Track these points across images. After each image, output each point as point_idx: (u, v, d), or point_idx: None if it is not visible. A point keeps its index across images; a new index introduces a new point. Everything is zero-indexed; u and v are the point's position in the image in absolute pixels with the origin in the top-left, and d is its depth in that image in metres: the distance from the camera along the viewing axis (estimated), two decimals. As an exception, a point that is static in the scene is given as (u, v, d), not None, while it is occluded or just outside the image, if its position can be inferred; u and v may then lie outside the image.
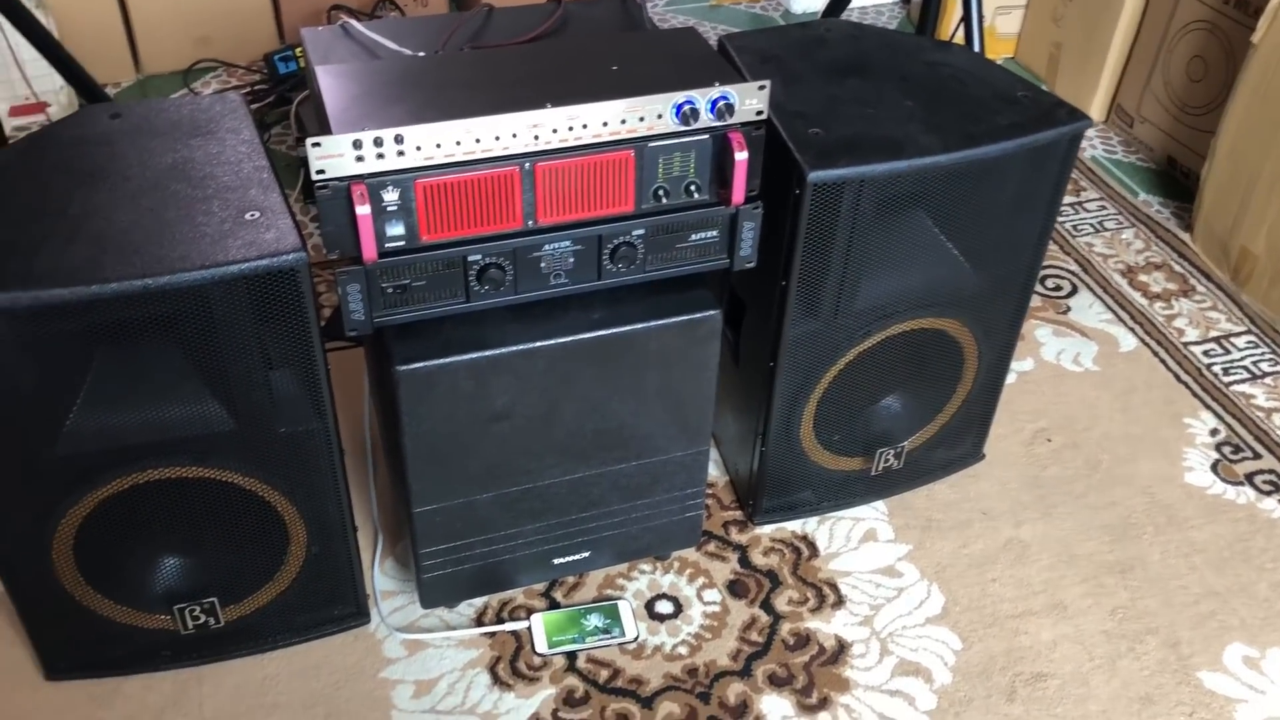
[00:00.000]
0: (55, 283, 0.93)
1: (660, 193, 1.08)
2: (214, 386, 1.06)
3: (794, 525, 1.43)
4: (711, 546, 1.40)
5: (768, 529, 1.43)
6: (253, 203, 1.03)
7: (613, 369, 1.14)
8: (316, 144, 0.95)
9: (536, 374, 1.12)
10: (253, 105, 2.10)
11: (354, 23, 1.20)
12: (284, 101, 2.10)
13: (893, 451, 1.40)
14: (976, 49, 1.77)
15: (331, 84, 1.02)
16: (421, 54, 1.15)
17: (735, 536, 1.42)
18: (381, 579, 1.34)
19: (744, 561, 1.38)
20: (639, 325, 1.12)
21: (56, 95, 2.06)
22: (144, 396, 1.06)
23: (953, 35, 1.97)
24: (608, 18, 1.27)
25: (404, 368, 1.07)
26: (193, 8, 2.24)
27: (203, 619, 1.21)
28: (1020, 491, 1.49)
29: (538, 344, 1.10)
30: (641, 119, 1.03)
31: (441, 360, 1.08)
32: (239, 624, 1.23)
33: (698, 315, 1.14)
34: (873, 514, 1.45)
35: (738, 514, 1.44)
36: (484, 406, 1.12)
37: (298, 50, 2.15)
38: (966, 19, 1.76)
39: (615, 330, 1.12)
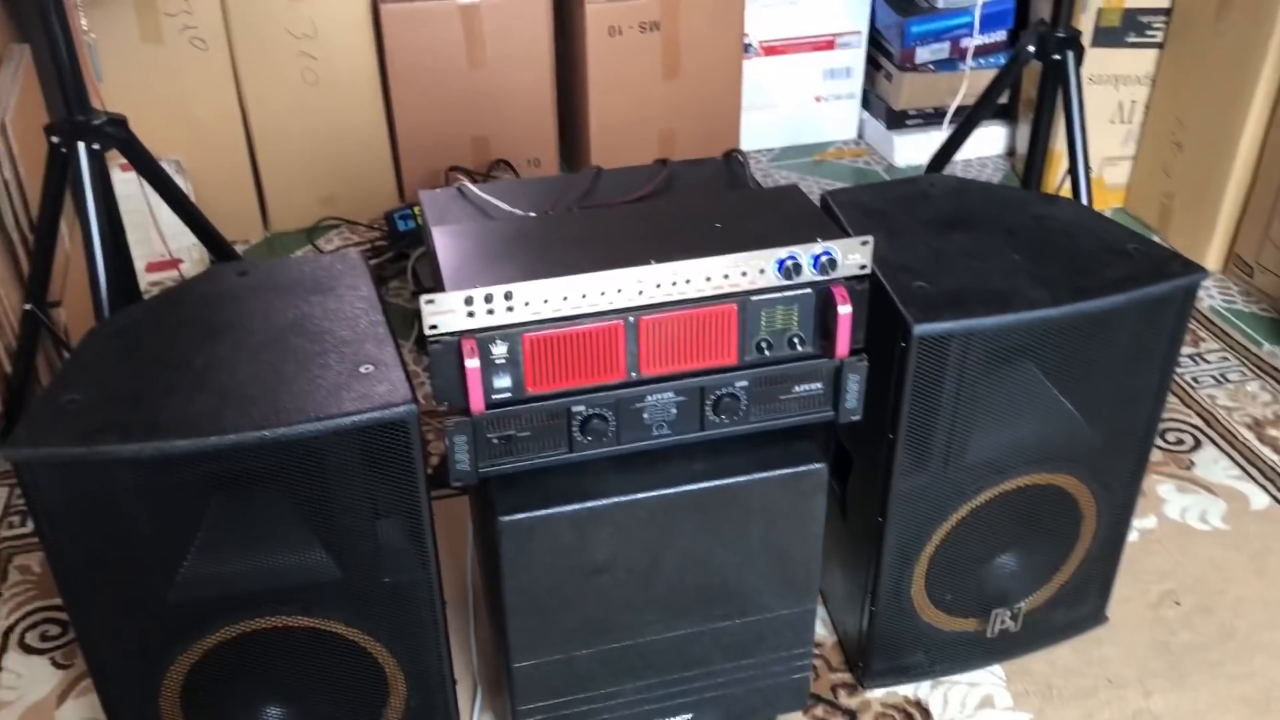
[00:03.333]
0: (177, 433, 0.97)
1: (763, 345, 1.08)
2: (322, 535, 1.07)
3: (906, 689, 1.37)
4: (819, 710, 1.34)
5: (879, 693, 1.37)
6: (368, 356, 1.07)
7: (716, 522, 1.13)
8: (430, 300, 0.98)
9: (638, 526, 1.11)
10: (372, 261, 2.19)
11: (469, 185, 1.25)
12: (402, 257, 2.19)
13: (1009, 612, 1.34)
14: (1084, 201, 1.76)
15: (446, 243, 1.06)
16: (532, 214, 1.19)
17: (844, 700, 1.36)
18: (480, 735, 1.32)
19: (853, 727, 1.33)
20: (742, 478, 1.11)
21: (189, 252, 2.18)
22: (255, 545, 1.08)
23: (1059, 187, 1.96)
24: (712, 176, 1.31)
25: (507, 518, 1.07)
26: (320, 170, 2.37)
27: (302, 772, 1.20)
28: (1148, 658, 1.41)
29: (640, 495, 1.09)
30: (744, 274, 1.04)
31: (544, 511, 1.08)
32: (336, 778, 1.22)
33: (802, 468, 1.12)
34: (989, 678, 1.38)
35: (847, 676, 1.39)
36: (585, 559, 1.11)
37: (416, 209, 2.24)
38: (1073, 171, 1.76)
39: (718, 482, 1.11)
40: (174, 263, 2.13)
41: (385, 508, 1.07)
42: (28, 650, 1.44)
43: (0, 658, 1.43)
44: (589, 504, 1.08)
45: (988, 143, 2.66)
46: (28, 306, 1.59)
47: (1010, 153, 2.68)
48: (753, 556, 1.16)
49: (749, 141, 2.63)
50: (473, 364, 1.00)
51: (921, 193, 1.34)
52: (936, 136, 2.59)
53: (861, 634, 1.34)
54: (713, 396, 1.10)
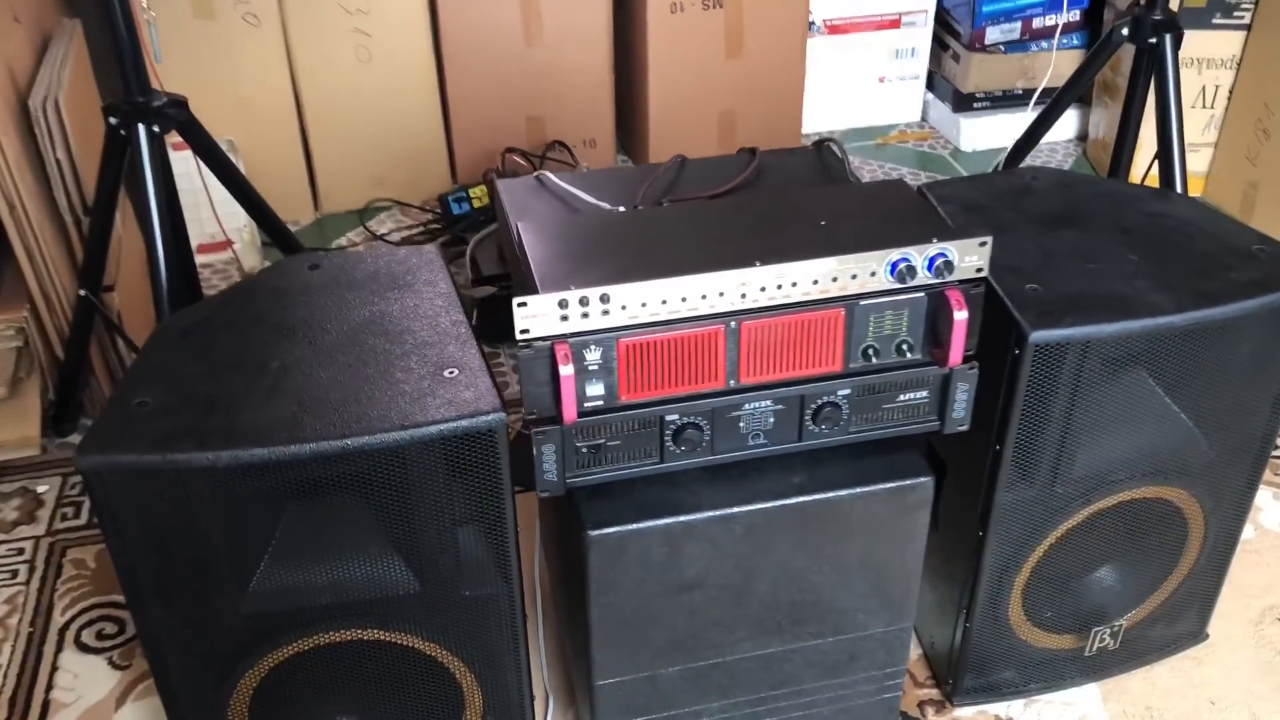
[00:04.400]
0: (256, 441, 0.91)
1: (870, 352, 1.02)
2: (401, 547, 1.02)
3: (997, 708, 1.31)
4: (906, 728, 1.29)
5: (968, 711, 1.30)
6: (451, 359, 1.01)
7: (813, 537, 1.06)
8: (523, 304, 0.92)
9: (733, 541, 1.05)
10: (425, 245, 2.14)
11: (550, 175, 1.19)
12: (458, 241, 2.13)
13: (1109, 630, 1.28)
14: (1179, 191, 1.68)
15: (535, 241, 1.00)
16: (621, 208, 1.12)
17: (932, 719, 1.30)
18: (552, 748, 1.27)
19: (943, 748, 1.27)
20: (844, 491, 1.05)
21: (240, 233, 2.13)
22: (330, 556, 1.02)
23: (1145, 175, 1.88)
24: (804, 168, 1.24)
25: (596, 533, 1.01)
26: (372, 150, 2.31)
27: (371, 788, 1.15)
28: (1252, 679, 1.34)
29: (735, 509, 1.03)
30: (854, 276, 0.97)
31: (635, 525, 1.02)
32: (406, 794, 1.17)
33: (908, 482, 1.06)
34: (1085, 698, 1.32)
35: (934, 692, 1.33)
36: (676, 575, 1.05)
37: (470, 191, 2.18)
38: (1166, 160, 1.68)
39: (818, 496, 1.04)
40: (226, 244, 2.09)
41: (467, 518, 1.02)
42: (84, 649, 1.40)
43: (56, 656, 1.39)
44: (683, 518, 1.02)
45: (1059, 127, 2.56)
46: (82, 292, 1.54)
47: (1082, 137, 2.58)
48: (849, 573, 1.10)
49: (810, 123, 2.55)
50: (567, 371, 0.94)
51: (1024, 186, 1.27)
52: (1005, 120, 2.51)
53: (953, 650, 1.27)
54: (813, 405, 1.03)
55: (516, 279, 1.13)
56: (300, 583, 1.02)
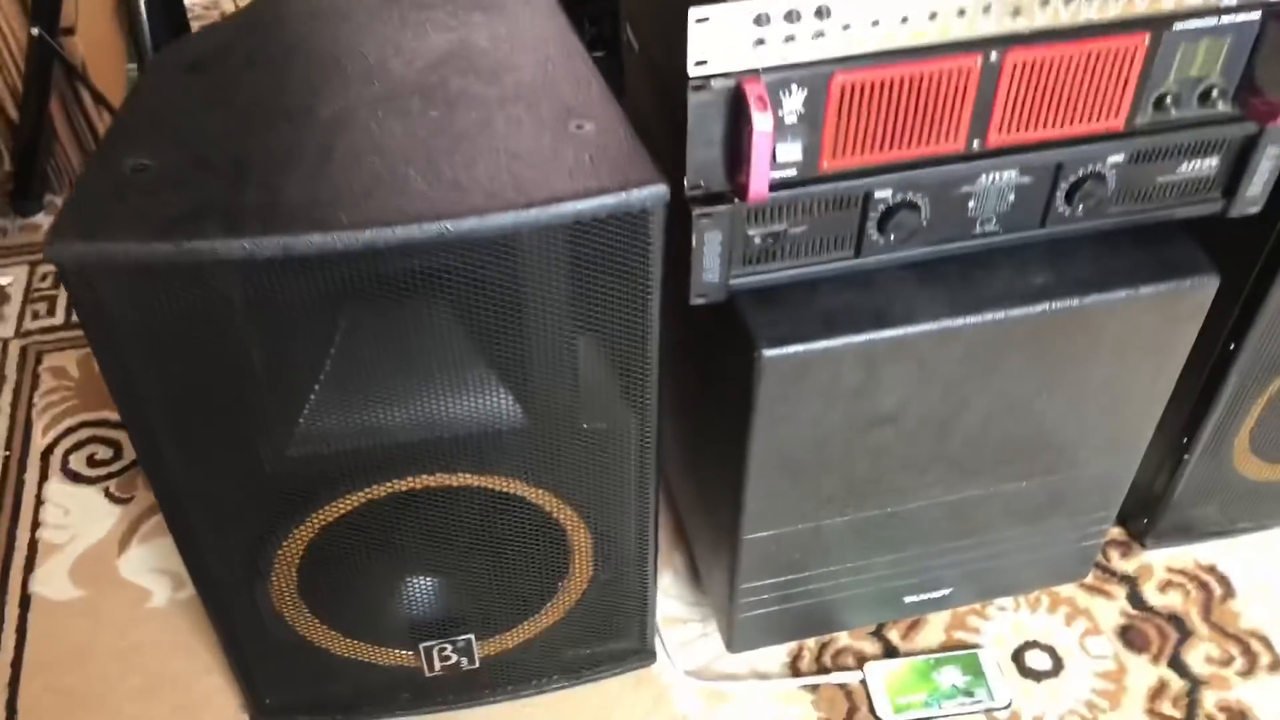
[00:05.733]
0: (313, 223, 0.62)
1: (1165, 101, 0.72)
2: (504, 367, 0.75)
3: (1195, 550, 1.08)
4: (1089, 577, 1.06)
5: (1161, 554, 1.08)
6: (573, 108, 0.71)
7: (1052, 356, 0.80)
8: (704, 19, 0.61)
9: (949, 362, 0.78)
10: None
11: None
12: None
13: (1345, 458, 1.04)
14: None
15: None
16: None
17: (1118, 563, 1.08)
18: (661, 599, 1.04)
19: (1135, 599, 1.05)
20: (1107, 295, 0.78)
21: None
22: (403, 380, 0.75)
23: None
24: None
25: (772, 352, 0.74)
26: None
27: (454, 659, 0.92)
28: None
29: (962, 321, 0.76)
30: (1172, -13, 0.67)
31: (825, 342, 0.75)
32: (495, 661, 0.94)
33: (1188, 281, 0.79)
34: (1299, 538, 1.10)
35: (1119, 532, 1.10)
36: (868, 406, 0.79)
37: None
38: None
39: (1073, 302, 0.77)
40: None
41: (596, 330, 0.74)
42: (74, 478, 1.15)
43: (40, 487, 1.14)
44: (888, 333, 0.75)
45: None
46: (35, 31, 1.20)
47: None
48: (1084, 401, 0.84)
49: None
50: (764, 124, 0.64)
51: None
52: None
53: (1154, 484, 1.03)
54: (1071, 178, 0.75)
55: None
56: (365, 416, 0.75)
